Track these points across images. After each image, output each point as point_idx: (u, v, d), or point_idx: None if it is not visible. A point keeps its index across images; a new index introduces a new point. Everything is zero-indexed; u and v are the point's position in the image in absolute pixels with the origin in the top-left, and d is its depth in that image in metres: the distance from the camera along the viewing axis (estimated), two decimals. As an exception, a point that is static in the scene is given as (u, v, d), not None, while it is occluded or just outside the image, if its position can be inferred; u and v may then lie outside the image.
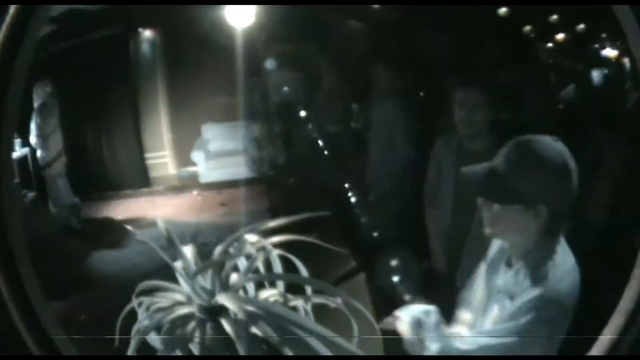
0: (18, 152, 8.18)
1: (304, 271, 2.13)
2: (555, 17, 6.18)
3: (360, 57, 6.69)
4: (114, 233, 7.03)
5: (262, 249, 2.06)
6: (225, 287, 2.00)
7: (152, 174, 8.81)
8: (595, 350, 1.47)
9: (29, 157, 8.34)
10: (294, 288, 2.18)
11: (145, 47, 8.72)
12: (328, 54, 7.22)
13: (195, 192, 7.68)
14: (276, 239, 2.03)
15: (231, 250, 2.09)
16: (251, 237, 2.09)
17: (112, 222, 7.47)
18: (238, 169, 7.97)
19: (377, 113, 5.27)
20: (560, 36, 6.60)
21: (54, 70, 7.70)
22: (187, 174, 8.70)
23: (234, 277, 2.10)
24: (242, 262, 2.14)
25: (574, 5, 5.30)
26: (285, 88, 7.58)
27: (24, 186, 8.11)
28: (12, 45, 1.52)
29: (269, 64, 7.72)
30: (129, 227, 6.66)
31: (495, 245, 2.42)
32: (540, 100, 4.11)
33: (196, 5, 6.72)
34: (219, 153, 8.31)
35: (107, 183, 8.34)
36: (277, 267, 2.12)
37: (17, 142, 8.13)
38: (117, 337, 1.96)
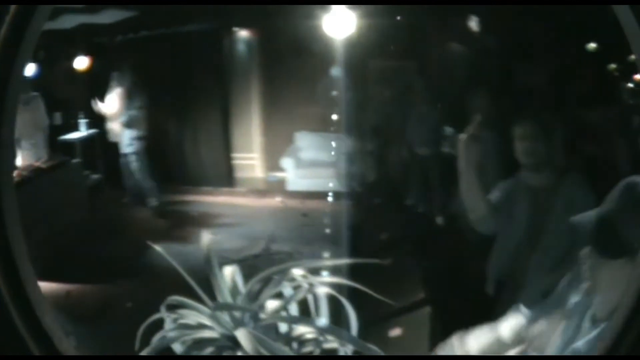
0: (84, 132, 8.49)
1: (352, 315, 2.13)
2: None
3: (458, 81, 6.52)
4: (185, 227, 7.06)
5: (310, 285, 2.06)
6: (256, 319, 1.98)
7: (238, 174, 8.80)
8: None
9: (97, 139, 8.59)
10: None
11: (240, 47, 8.72)
12: (427, 74, 7.06)
13: (278, 199, 7.62)
14: (326, 279, 2.09)
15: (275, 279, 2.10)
16: (299, 271, 2.10)
17: (187, 215, 7.54)
18: (326, 180, 7.85)
19: (469, 142, 5.06)
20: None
21: (138, 57, 7.96)
22: (274, 179, 8.64)
23: (272, 305, 2.06)
24: (287, 291, 2.15)
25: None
26: (382, 105, 7.47)
27: (86, 167, 8.27)
28: (12, 45, 1.46)
29: (368, 79, 7.62)
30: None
31: (575, 295, 2.16)
32: (621, 140, 3.90)
33: (296, 11, 6.66)
34: (310, 162, 8.22)
35: (186, 177, 8.39)
36: (323, 306, 2.12)
37: (84, 122, 8.46)
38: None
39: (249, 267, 5.47)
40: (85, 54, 8.14)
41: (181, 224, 7.18)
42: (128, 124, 7.59)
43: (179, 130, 8.61)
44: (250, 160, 8.89)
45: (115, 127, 7.74)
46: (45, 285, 5.39)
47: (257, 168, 8.90)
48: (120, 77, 7.59)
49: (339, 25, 5.96)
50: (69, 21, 7.25)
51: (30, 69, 6.71)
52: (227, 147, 8.73)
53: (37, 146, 7.59)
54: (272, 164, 8.74)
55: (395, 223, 6.00)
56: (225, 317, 1.94)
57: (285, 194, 7.85)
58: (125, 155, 7.67)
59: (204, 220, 7.28)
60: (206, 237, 2.19)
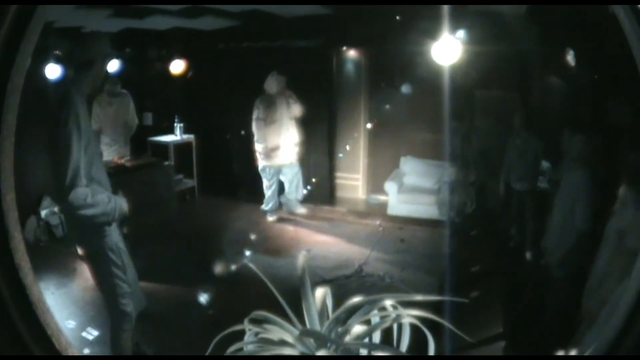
0: (178, 137, 8.72)
1: (432, 346, 2.15)
2: None
3: (556, 116, 6.43)
4: (279, 239, 7.25)
5: (397, 316, 2.09)
6: (338, 342, 2.03)
7: (339, 193, 8.95)
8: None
9: (194, 144, 8.82)
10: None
11: (349, 66, 8.84)
12: (529, 106, 6.99)
13: (378, 222, 7.66)
14: (414, 312, 2.07)
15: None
16: (388, 302, 2.14)
17: (283, 230, 7.68)
18: (426, 208, 7.90)
19: (566, 177, 5.03)
20: None
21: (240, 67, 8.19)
22: (375, 201, 8.73)
23: (357, 330, 2.11)
24: (374, 319, 2.19)
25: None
26: (485, 136, 7.43)
27: (179, 171, 8.49)
28: (12, 45, 1.52)
29: (474, 108, 7.60)
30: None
31: None
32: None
33: (406, 35, 6.75)
34: (412, 188, 8.25)
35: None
36: (406, 335, 2.16)
37: (179, 126, 8.71)
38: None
39: (340, 286, 5.62)
40: (182, 57, 8.31)
41: (277, 237, 7.35)
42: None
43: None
44: (353, 181, 9.01)
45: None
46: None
47: (359, 189, 9.01)
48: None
49: (447, 53, 6.00)
50: (163, 23, 7.46)
51: (114, 65, 6.89)
52: (331, 166, 8.88)
53: (119, 142, 7.97)
54: (375, 186, 8.84)
55: (488, 256, 5.94)
56: (308, 338, 2.00)
57: (384, 218, 7.87)
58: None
59: (300, 236, 7.39)
60: (302, 257, 2.21)
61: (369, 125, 8.79)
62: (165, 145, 8.57)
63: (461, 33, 6.37)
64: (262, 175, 8.00)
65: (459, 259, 5.94)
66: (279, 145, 7.79)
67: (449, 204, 7.50)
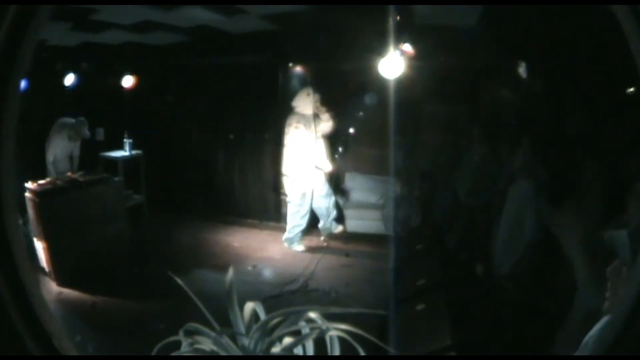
0: (127, 152, 8.65)
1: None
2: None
3: (508, 129, 6.50)
4: (225, 255, 7.16)
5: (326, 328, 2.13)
6: (267, 351, 2.06)
7: (284, 210, 8.85)
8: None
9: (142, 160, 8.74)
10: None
11: (295, 82, 8.75)
12: (478, 120, 7.04)
13: (322, 238, 7.61)
14: (339, 325, 2.12)
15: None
16: (313, 314, 2.15)
17: (230, 245, 7.58)
18: (372, 223, 7.85)
19: (512, 189, 5.07)
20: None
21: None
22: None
23: (287, 341, 2.16)
24: (305, 330, 2.21)
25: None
26: (432, 150, 7.45)
27: (129, 187, 8.32)
28: (12, 46, 1.53)
29: (419, 123, 7.63)
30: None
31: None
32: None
33: (351, 51, 6.77)
34: (358, 204, 8.17)
35: (231, 208, 8.45)
36: (336, 348, 2.16)
37: (128, 142, 8.62)
38: None
39: (286, 302, 5.55)
40: (133, 73, 8.30)
41: (223, 253, 7.26)
42: None
43: (228, 162, 8.73)
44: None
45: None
46: (71, 293, 5.54)
47: (305, 206, 8.91)
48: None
49: (392, 67, 6.02)
50: (116, 37, 7.45)
51: (69, 79, 6.88)
52: (276, 184, 8.77)
53: (73, 159, 8.07)
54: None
55: (435, 269, 5.94)
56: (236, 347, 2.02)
57: (330, 235, 7.82)
58: None
59: (246, 252, 7.29)
60: (230, 272, 2.26)
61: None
62: (115, 161, 8.50)
63: (407, 47, 6.41)
64: (290, 200, 7.66)
65: (404, 272, 5.93)
66: (311, 167, 7.53)
67: (394, 219, 7.48)
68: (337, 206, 7.82)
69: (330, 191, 7.74)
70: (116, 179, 7.98)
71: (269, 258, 7.11)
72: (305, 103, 7.51)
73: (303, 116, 7.50)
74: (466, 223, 6.57)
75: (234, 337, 2.07)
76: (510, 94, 6.78)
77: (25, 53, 1.57)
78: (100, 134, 8.90)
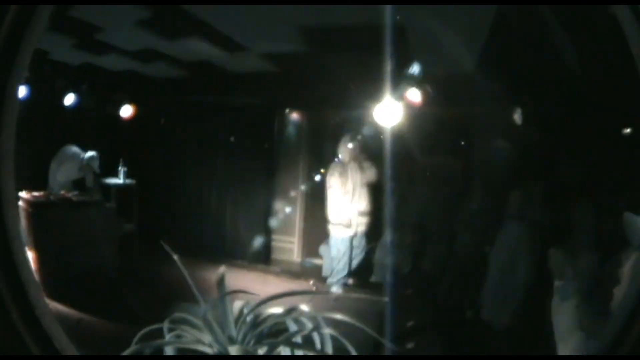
0: (121, 180, 8.64)
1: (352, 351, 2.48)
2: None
3: (501, 178, 6.51)
4: (212, 293, 6.95)
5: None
6: (258, 340, 2.09)
7: (274, 255, 8.81)
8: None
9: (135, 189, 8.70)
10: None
11: (290, 129, 8.85)
12: (472, 171, 7.06)
13: (311, 282, 7.53)
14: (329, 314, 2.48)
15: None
16: (306, 308, 2.45)
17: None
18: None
19: (503, 233, 5.06)
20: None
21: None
22: (310, 264, 8.59)
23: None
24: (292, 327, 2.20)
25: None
26: (425, 198, 7.45)
27: (120, 214, 8.31)
28: (11, 46, 1.54)
29: (415, 171, 7.64)
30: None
31: None
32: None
33: (347, 100, 6.83)
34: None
35: (221, 247, 8.39)
36: (328, 347, 2.39)
37: (122, 171, 8.62)
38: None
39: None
40: (132, 102, 8.33)
41: (210, 290, 7.07)
42: None
43: (220, 202, 8.71)
44: (289, 244, 8.90)
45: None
46: (59, 306, 5.42)
47: (295, 252, 8.88)
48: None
49: (388, 115, 6.04)
50: (118, 63, 7.50)
51: (69, 99, 6.92)
52: (267, 228, 8.75)
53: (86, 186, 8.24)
54: (311, 249, 8.73)
55: (424, 312, 5.87)
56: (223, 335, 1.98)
57: (319, 279, 7.74)
58: None
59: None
60: (222, 269, 2.57)
61: (302, 187, 8.77)
62: (109, 188, 8.53)
63: (410, 95, 6.45)
64: (332, 245, 7.64)
65: (393, 315, 5.85)
66: (352, 215, 7.50)
67: (383, 265, 7.42)
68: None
69: (363, 239, 7.68)
70: (108, 205, 8.06)
71: (255, 298, 6.91)
72: (345, 151, 7.53)
73: (344, 164, 7.54)
74: (457, 271, 6.52)
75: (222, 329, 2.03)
76: (506, 143, 6.80)
77: (25, 52, 1.59)
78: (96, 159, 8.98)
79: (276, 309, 2.19)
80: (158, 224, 8.56)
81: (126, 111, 8.30)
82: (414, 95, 6.49)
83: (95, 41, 6.76)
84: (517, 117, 6.22)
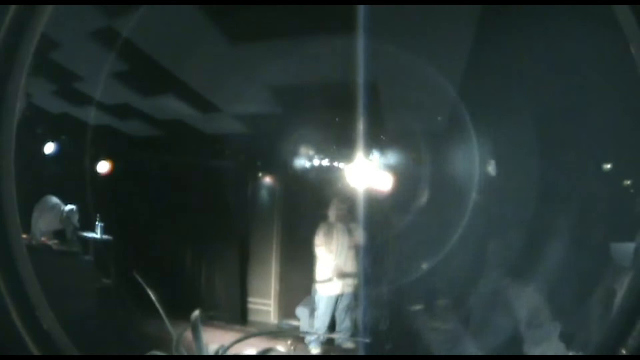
0: (98, 235, 8.57)
1: None
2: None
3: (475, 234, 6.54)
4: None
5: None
6: None
7: (251, 317, 8.70)
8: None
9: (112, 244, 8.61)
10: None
11: (263, 192, 8.87)
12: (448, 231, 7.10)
13: (289, 342, 7.40)
14: None
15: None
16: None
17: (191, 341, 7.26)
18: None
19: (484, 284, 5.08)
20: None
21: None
22: (287, 326, 8.48)
23: None
24: None
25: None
26: (400, 259, 7.47)
27: (99, 268, 8.28)
28: (11, 45, 1.58)
29: (388, 232, 7.66)
30: None
31: None
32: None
33: (320, 165, 6.91)
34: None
35: (196, 307, 8.21)
36: None
37: (99, 226, 8.57)
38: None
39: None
40: (107, 158, 8.33)
41: (188, 347, 6.94)
42: None
43: (194, 263, 8.64)
44: (264, 306, 8.80)
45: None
46: None
47: (271, 314, 8.76)
48: None
49: (361, 177, 6.07)
50: (96, 116, 7.40)
51: (49, 148, 6.91)
52: (243, 291, 8.70)
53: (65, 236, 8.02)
54: (287, 311, 8.63)
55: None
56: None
57: (297, 340, 7.63)
58: None
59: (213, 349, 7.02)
60: (196, 312, 2.56)
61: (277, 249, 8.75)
62: (87, 241, 8.42)
63: (377, 156, 6.51)
64: (317, 303, 7.70)
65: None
66: (335, 275, 7.52)
67: (363, 323, 7.39)
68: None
69: (350, 300, 7.65)
70: (87, 257, 8.09)
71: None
72: (332, 212, 7.59)
73: (329, 225, 7.58)
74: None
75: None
76: (479, 197, 6.85)
77: (27, 47, 1.64)
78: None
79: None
80: (134, 281, 8.36)
81: (103, 167, 8.32)
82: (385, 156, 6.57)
83: (74, 90, 6.82)
84: (491, 169, 6.28)
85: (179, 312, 7.70)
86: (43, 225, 7.97)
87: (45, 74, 6.25)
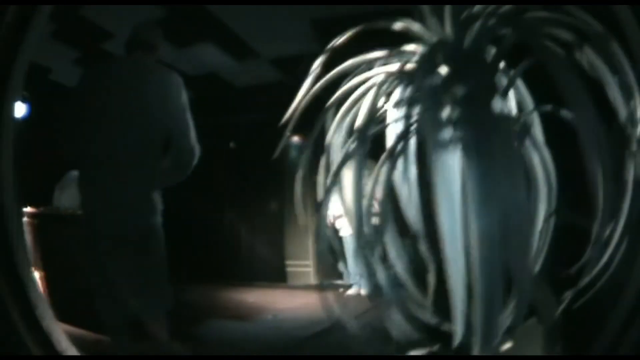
0: None
1: None
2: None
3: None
4: (240, 309, 6.93)
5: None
6: None
7: (291, 280, 8.73)
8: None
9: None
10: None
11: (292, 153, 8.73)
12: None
13: (341, 289, 7.35)
14: None
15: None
16: None
17: (241, 300, 7.39)
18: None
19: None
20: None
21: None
22: (329, 285, 8.37)
23: None
24: None
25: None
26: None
27: None
28: (12, 45, 1.56)
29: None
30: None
31: None
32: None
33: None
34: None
35: (237, 272, 8.37)
36: None
37: None
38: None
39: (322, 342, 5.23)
40: None
41: (238, 307, 7.09)
42: None
43: (233, 227, 8.69)
44: (305, 268, 8.82)
45: None
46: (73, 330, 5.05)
47: (311, 275, 8.73)
48: None
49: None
50: None
51: None
52: (282, 252, 8.75)
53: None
54: (328, 271, 8.49)
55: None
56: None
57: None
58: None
59: (261, 305, 7.10)
60: None
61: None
62: None
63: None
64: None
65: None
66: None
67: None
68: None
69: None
70: None
71: (287, 309, 6.83)
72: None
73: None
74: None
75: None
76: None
77: (25, 53, 1.62)
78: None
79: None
80: (171, 252, 8.33)
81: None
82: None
83: (102, 51, 6.34)
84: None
85: (223, 278, 7.71)
86: (66, 200, 7.88)
87: (65, 35, 5.98)
